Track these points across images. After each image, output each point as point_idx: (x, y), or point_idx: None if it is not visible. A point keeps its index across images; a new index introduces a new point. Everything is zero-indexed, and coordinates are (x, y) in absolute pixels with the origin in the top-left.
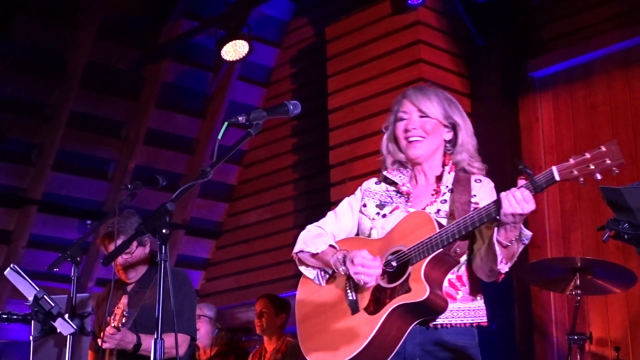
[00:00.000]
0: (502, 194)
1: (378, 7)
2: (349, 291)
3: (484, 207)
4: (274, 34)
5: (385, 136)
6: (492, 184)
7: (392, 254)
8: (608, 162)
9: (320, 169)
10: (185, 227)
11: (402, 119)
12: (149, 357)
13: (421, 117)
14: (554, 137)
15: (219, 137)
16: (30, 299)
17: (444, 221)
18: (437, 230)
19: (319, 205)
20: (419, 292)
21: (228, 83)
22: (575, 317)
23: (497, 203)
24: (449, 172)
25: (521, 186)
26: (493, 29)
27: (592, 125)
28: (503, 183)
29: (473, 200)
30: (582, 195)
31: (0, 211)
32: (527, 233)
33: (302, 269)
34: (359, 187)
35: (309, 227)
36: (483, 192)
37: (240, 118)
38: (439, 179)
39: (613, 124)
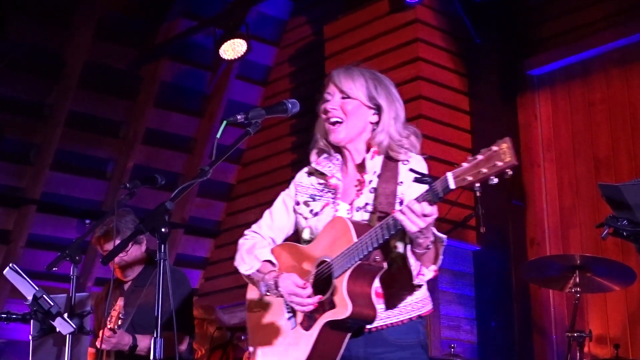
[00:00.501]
0: (399, 215)
1: (376, 6)
2: (285, 306)
3: (392, 217)
4: (272, 33)
5: (317, 122)
6: (421, 163)
7: (320, 264)
8: (499, 164)
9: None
10: (184, 226)
11: (326, 101)
12: (146, 357)
13: (343, 98)
14: (552, 135)
15: (218, 136)
16: (30, 298)
17: (368, 217)
18: (354, 239)
19: None
20: (342, 309)
21: (226, 82)
22: (574, 314)
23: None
24: (371, 158)
25: (418, 198)
26: (491, 27)
27: (590, 123)
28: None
29: (400, 188)
30: (580, 193)
31: None
32: (442, 237)
33: (247, 279)
34: (293, 181)
35: (246, 232)
36: (408, 175)
37: (238, 117)
38: (361, 167)
39: (611, 121)
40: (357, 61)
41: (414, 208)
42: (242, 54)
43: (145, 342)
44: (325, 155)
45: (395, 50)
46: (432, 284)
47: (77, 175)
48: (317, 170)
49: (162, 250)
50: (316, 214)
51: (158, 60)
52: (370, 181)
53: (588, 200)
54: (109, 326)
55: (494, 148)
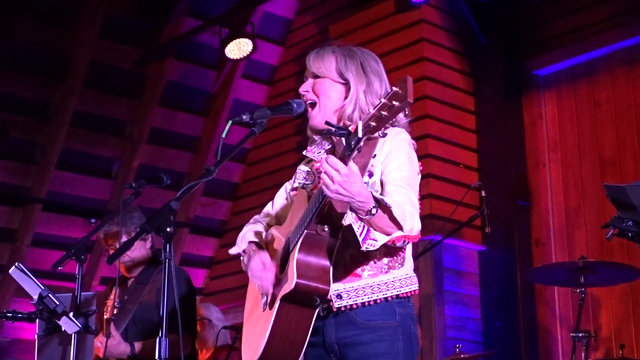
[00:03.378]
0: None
1: (382, 5)
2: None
3: (319, 187)
4: (278, 32)
5: None
6: (401, 135)
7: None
8: (397, 104)
9: None
10: (189, 226)
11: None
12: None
13: (314, 78)
14: (557, 135)
15: (223, 135)
16: (35, 297)
17: None
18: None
19: None
20: (290, 281)
21: (232, 81)
22: (579, 314)
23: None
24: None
25: (328, 154)
26: (497, 27)
27: (595, 122)
28: (507, 180)
29: (372, 161)
30: (586, 193)
31: (5, 210)
32: (380, 197)
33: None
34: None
35: (253, 218)
36: (387, 147)
37: (244, 117)
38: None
39: (616, 121)
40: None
41: (324, 165)
42: (248, 53)
43: (138, 346)
44: (317, 142)
45: (400, 50)
46: (437, 284)
47: (82, 174)
48: (307, 157)
49: (168, 250)
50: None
51: (163, 60)
52: None
53: (593, 201)
54: (105, 316)
55: (394, 88)
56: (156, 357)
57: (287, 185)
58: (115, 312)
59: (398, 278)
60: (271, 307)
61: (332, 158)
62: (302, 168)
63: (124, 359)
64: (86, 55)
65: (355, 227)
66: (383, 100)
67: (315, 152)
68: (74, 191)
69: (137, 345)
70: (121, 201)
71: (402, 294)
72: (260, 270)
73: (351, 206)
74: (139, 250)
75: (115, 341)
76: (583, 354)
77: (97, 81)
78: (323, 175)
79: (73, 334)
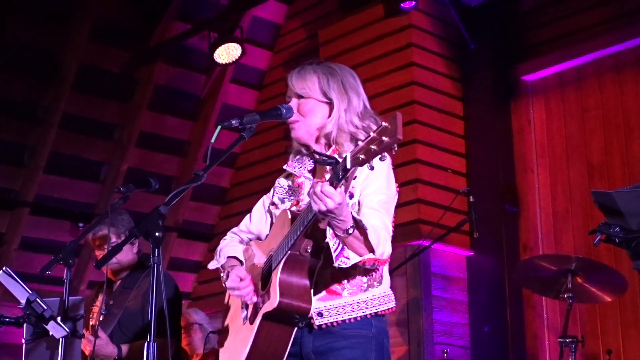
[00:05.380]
0: (309, 193)
1: (371, 11)
2: (242, 303)
3: (306, 204)
4: (267, 36)
5: None
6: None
7: (268, 258)
8: (386, 140)
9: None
10: (178, 230)
11: (286, 104)
12: None
13: (298, 98)
14: (545, 141)
15: (212, 141)
16: (23, 301)
17: None
18: (289, 229)
19: None
20: (272, 299)
21: (221, 86)
22: (566, 320)
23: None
24: (332, 154)
25: (318, 181)
26: (485, 32)
27: (583, 128)
28: (495, 185)
29: (353, 182)
30: (574, 198)
31: None
32: (358, 217)
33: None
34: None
35: (228, 234)
36: (364, 172)
37: (233, 122)
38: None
39: (605, 127)
40: (351, 65)
41: (315, 189)
42: (237, 57)
43: (125, 349)
44: (298, 156)
45: (389, 55)
46: (425, 289)
47: (70, 178)
48: (288, 172)
49: (156, 254)
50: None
51: (153, 63)
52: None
53: (581, 206)
54: (91, 322)
55: (384, 124)
56: None
57: (265, 200)
58: (101, 319)
59: (377, 296)
60: (252, 322)
61: (327, 188)
62: (282, 182)
63: None
64: (76, 57)
65: (330, 243)
66: (372, 134)
67: (296, 167)
68: (63, 195)
69: (124, 348)
70: (109, 205)
71: (380, 311)
72: (237, 282)
73: (330, 222)
74: (127, 254)
75: (103, 342)
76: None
77: (87, 84)
78: (316, 200)
79: (61, 339)
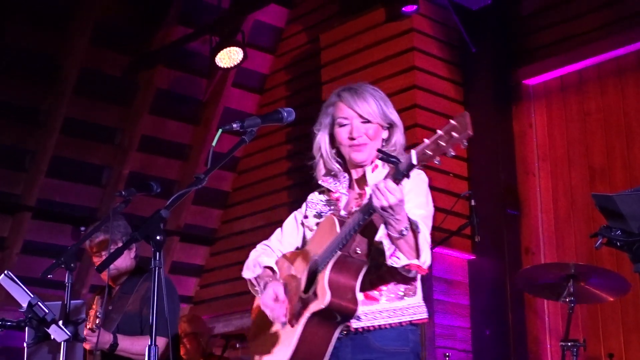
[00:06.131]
0: (371, 188)
1: (372, 15)
2: None
3: (364, 203)
4: (268, 41)
5: (320, 139)
6: (421, 176)
7: (312, 264)
8: (456, 136)
9: (314, 176)
10: (180, 234)
11: (342, 125)
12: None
13: (363, 122)
14: (547, 144)
15: (213, 144)
16: (24, 305)
17: None
18: (338, 232)
19: None
20: (322, 298)
21: (222, 90)
22: (568, 323)
23: (371, 198)
24: (372, 172)
25: (385, 177)
26: (487, 36)
27: (585, 132)
28: (497, 189)
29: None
30: (575, 202)
31: None
32: (414, 220)
33: (250, 288)
34: (306, 199)
35: (258, 245)
36: (408, 185)
37: (234, 125)
38: (363, 180)
39: (606, 130)
40: (352, 69)
41: (379, 186)
42: (238, 61)
43: (125, 343)
44: (332, 174)
45: (391, 59)
46: (426, 293)
47: (72, 182)
48: (324, 188)
49: (157, 258)
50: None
51: (154, 67)
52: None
53: (583, 209)
54: (88, 326)
55: (452, 121)
56: None
57: (297, 215)
58: (97, 323)
59: (412, 305)
60: (294, 325)
61: (391, 184)
62: (316, 198)
63: (106, 348)
64: (77, 61)
65: (384, 242)
66: (440, 132)
67: (332, 183)
68: (64, 199)
69: (121, 337)
70: (111, 209)
71: (415, 320)
72: (272, 301)
73: (386, 221)
74: (124, 259)
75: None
76: None
77: (88, 88)
78: (379, 195)
79: (62, 342)
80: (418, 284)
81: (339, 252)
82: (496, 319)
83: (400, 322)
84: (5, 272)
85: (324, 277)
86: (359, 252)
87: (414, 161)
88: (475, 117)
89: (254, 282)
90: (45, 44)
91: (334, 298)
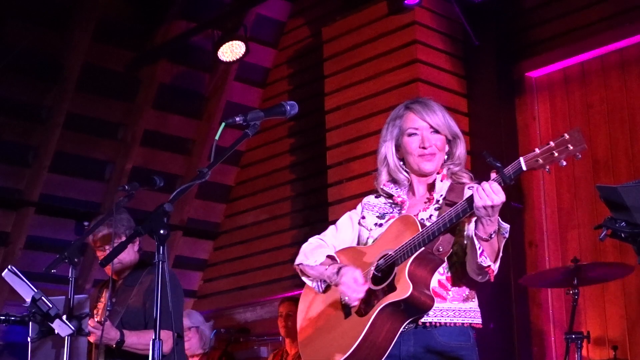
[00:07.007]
0: (473, 188)
1: (374, 8)
2: (341, 298)
3: (460, 203)
4: (271, 34)
5: (386, 150)
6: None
7: (381, 258)
8: (571, 148)
9: (317, 169)
10: (183, 228)
11: (413, 134)
12: (134, 354)
13: (432, 132)
14: (550, 137)
15: (216, 137)
16: (28, 300)
17: None
18: (420, 230)
19: (316, 206)
20: (403, 289)
21: (225, 84)
22: (572, 316)
23: (470, 198)
24: (441, 181)
25: (491, 179)
26: (489, 29)
27: (588, 124)
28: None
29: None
30: (579, 194)
31: None
32: (505, 226)
33: (304, 279)
34: (360, 203)
35: (310, 239)
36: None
37: (237, 119)
38: (431, 187)
39: (609, 123)
40: (355, 63)
41: (484, 187)
42: (241, 55)
43: (132, 338)
44: (392, 180)
45: (393, 52)
46: None
47: (75, 177)
48: (385, 192)
49: (161, 252)
50: (380, 225)
51: (156, 62)
52: (438, 200)
53: (587, 202)
54: (96, 319)
55: (566, 135)
56: (150, 358)
57: (353, 216)
58: (105, 315)
59: (473, 309)
60: (364, 314)
61: (496, 186)
62: (375, 200)
63: (112, 344)
64: (79, 57)
65: (475, 242)
66: (552, 143)
67: (394, 189)
68: (67, 194)
69: (127, 333)
70: (114, 204)
71: (474, 324)
72: (357, 283)
73: (482, 221)
74: (128, 253)
75: (106, 326)
76: (576, 355)
77: (91, 84)
78: (483, 196)
79: (66, 337)
80: (476, 289)
81: (423, 248)
82: (500, 312)
83: (463, 323)
84: (9, 267)
85: (405, 270)
86: (441, 250)
87: (524, 167)
88: (478, 110)
89: (309, 269)
90: (47, 40)
91: (415, 291)
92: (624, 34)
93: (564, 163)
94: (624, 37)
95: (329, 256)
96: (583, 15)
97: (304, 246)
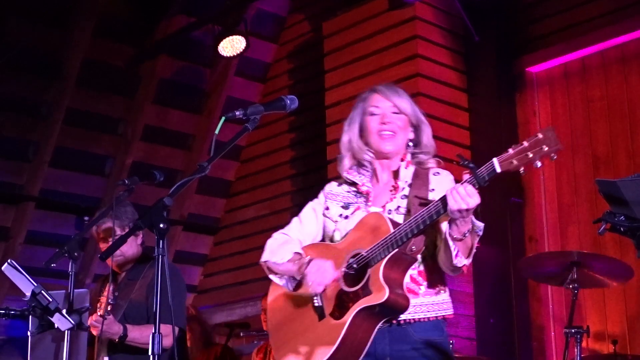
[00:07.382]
0: (447, 191)
1: (375, 3)
2: (315, 298)
3: (433, 204)
4: (271, 29)
5: (348, 133)
6: (450, 177)
7: (353, 257)
8: (545, 149)
9: (317, 164)
10: (183, 223)
11: (374, 114)
12: (137, 348)
13: (394, 112)
14: None
15: (216, 132)
16: (28, 294)
17: (401, 218)
18: (392, 230)
19: None
20: (379, 294)
21: (225, 79)
22: (572, 310)
23: (443, 200)
24: (405, 167)
25: (464, 181)
26: (490, 24)
27: (589, 119)
28: (500, 177)
29: (431, 194)
30: (579, 190)
31: None
32: (479, 224)
33: (271, 277)
34: (322, 191)
35: (275, 234)
36: (441, 185)
37: (237, 113)
38: (396, 174)
39: (610, 118)
40: (355, 58)
41: (459, 190)
42: (241, 50)
43: (134, 333)
44: (354, 167)
45: (393, 47)
46: None
47: (75, 172)
48: (348, 180)
49: (161, 246)
50: (346, 217)
51: (157, 58)
52: (403, 188)
53: (587, 197)
54: (99, 312)
55: (540, 135)
56: (149, 352)
57: (317, 206)
58: (108, 309)
59: (445, 301)
60: (339, 317)
61: (471, 189)
62: (338, 189)
63: (115, 339)
64: (79, 53)
65: (450, 242)
66: (525, 143)
67: (357, 176)
68: (68, 189)
69: (130, 328)
70: (114, 198)
71: (447, 315)
72: (321, 270)
73: (455, 222)
74: (131, 246)
75: (109, 321)
76: (576, 350)
77: (91, 79)
78: (457, 199)
79: (66, 331)
80: (446, 280)
81: (397, 249)
82: (500, 307)
83: (437, 317)
84: (9, 261)
85: (379, 272)
86: (414, 249)
87: (498, 169)
88: (478, 105)
89: (275, 266)
90: (47, 36)
91: (391, 294)
92: (624, 29)
93: (539, 164)
94: (624, 33)
95: (296, 253)
96: (583, 11)
97: (269, 242)
